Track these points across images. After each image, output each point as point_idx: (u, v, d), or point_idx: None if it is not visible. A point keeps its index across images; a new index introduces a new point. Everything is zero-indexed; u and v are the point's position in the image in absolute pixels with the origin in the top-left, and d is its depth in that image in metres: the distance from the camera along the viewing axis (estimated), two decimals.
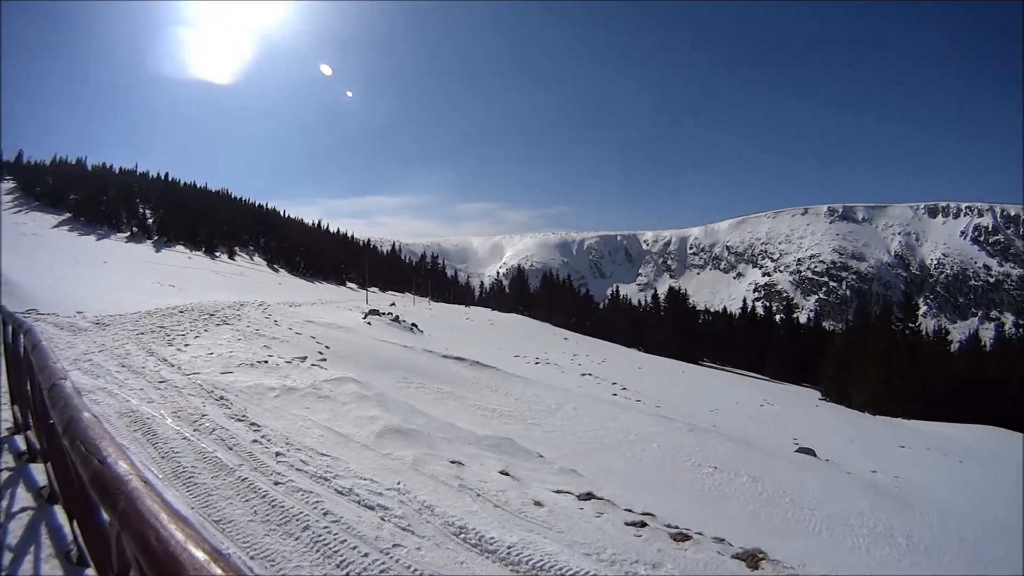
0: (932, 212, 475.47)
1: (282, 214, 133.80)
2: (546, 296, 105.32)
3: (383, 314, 38.16)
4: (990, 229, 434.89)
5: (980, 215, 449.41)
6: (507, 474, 8.68)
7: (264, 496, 6.38)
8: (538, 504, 7.34)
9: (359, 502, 6.50)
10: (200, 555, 1.81)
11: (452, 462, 8.55)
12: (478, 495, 7.25)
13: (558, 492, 8.36)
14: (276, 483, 6.77)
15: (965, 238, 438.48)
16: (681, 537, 7.24)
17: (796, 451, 21.14)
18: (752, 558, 7.03)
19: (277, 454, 7.72)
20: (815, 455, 20.43)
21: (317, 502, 6.35)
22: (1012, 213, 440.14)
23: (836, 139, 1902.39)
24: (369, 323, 33.03)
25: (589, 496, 8.39)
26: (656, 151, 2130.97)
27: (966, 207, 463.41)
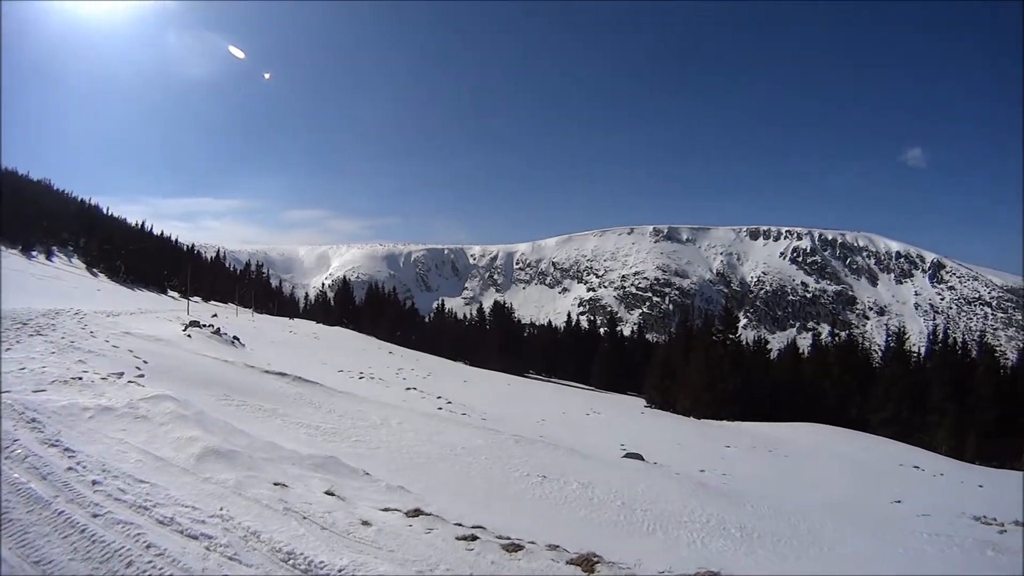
0: (753, 235, 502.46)
1: (105, 211, 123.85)
2: (371, 309, 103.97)
3: (204, 326, 37.16)
4: (808, 251, 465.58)
5: (799, 238, 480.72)
6: (333, 494, 8.51)
7: (83, 531, 6.08)
8: (366, 523, 7.25)
9: (182, 532, 6.26)
10: None
11: (276, 484, 8.33)
12: (304, 518, 7.10)
13: (386, 510, 8.28)
14: (95, 515, 6.45)
15: (784, 258, 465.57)
16: (514, 547, 7.26)
17: (624, 456, 21.54)
18: (587, 562, 7.12)
19: (94, 482, 7.32)
20: (643, 459, 20.86)
21: (139, 534, 6.08)
22: (829, 237, 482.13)
23: (663, 164, 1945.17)
24: (189, 336, 32.08)
25: (417, 512, 8.34)
26: (485, 168, 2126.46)
27: (786, 231, 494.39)
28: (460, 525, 8.20)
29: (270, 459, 9.86)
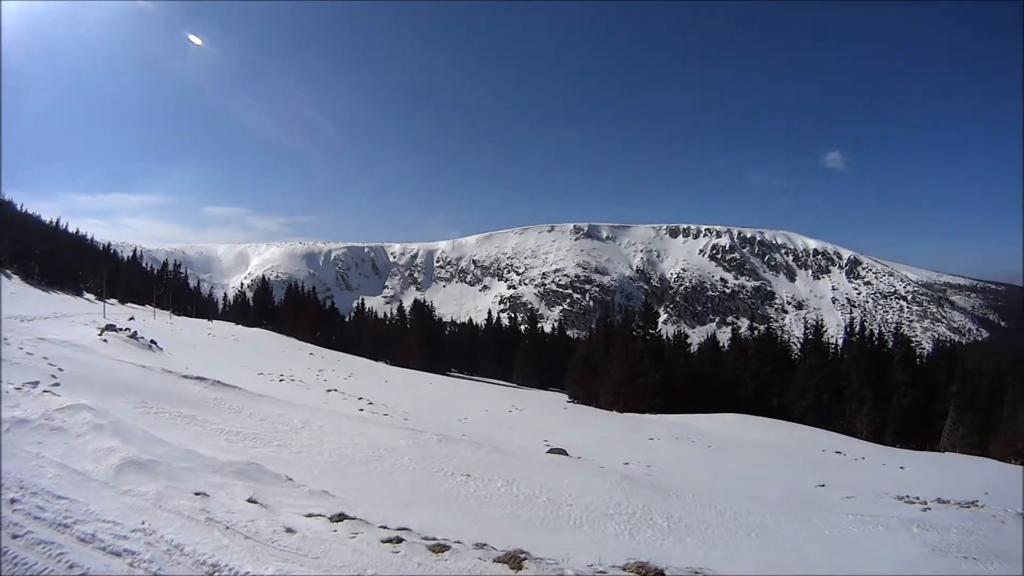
0: (673, 233, 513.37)
1: (19, 208, 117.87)
2: (291, 309, 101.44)
3: (121, 330, 36.37)
4: (727, 248, 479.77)
5: (718, 236, 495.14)
6: (255, 501, 8.38)
7: (5, 553, 5.90)
8: (290, 531, 7.19)
9: (104, 549, 6.12)
10: None
11: (197, 494, 8.14)
12: (227, 527, 6.99)
13: (310, 516, 8.22)
14: (15, 536, 6.25)
15: (704, 255, 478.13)
16: (440, 548, 7.28)
17: (548, 452, 21.77)
18: (514, 559, 7.15)
19: (12, 500, 7.06)
20: (567, 454, 21.07)
21: (60, 554, 5.92)
22: (748, 235, 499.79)
23: (585, 163, 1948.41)
24: (105, 340, 31.38)
25: (342, 517, 8.29)
26: (405, 165, 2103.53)
27: (705, 229, 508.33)
28: (385, 528, 8.20)
29: (190, 468, 9.64)
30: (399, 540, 7.43)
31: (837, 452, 34.69)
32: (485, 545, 7.91)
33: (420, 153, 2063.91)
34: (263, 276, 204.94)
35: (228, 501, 8.17)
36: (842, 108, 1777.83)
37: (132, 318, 54.30)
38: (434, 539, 7.78)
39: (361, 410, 27.40)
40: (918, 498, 19.53)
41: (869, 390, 52.32)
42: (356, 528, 7.78)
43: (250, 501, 8.38)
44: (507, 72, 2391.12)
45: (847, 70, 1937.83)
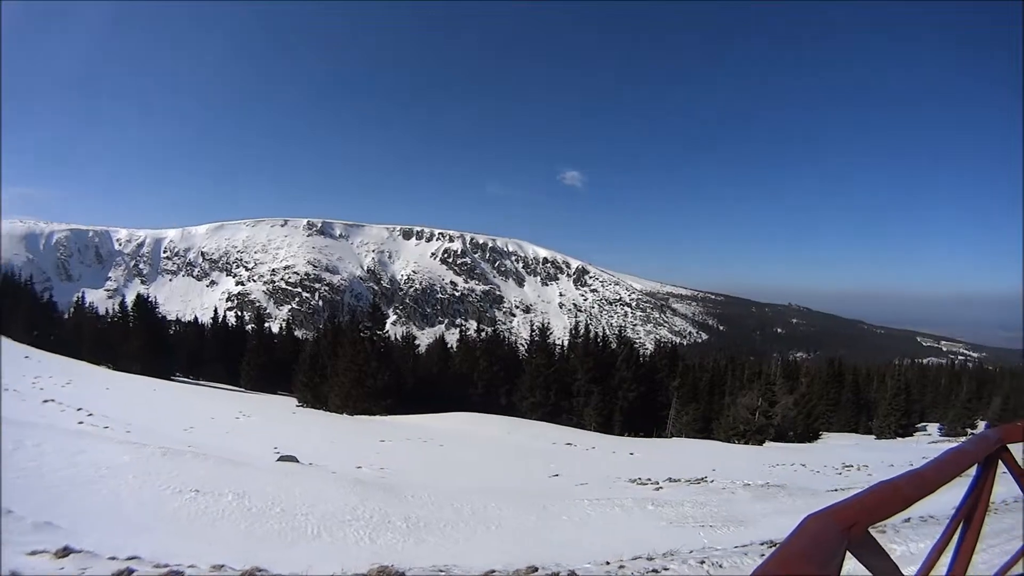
0: (406, 234, 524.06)
1: None
2: (4, 303, 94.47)
3: None
4: (459, 252, 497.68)
5: (451, 240, 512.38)
6: None
7: None
8: (14, 574, 6.85)
9: None
10: None
11: None
12: None
13: (33, 553, 7.79)
14: None
15: (435, 259, 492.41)
16: (174, 575, 7.13)
17: (279, 460, 21.60)
18: None
19: None
20: (298, 461, 21.02)
21: None
22: (480, 241, 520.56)
23: (320, 158, 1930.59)
24: None
25: (67, 551, 7.92)
26: (136, 138, 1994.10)
27: (439, 233, 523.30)
28: (114, 559, 7.95)
29: None
30: (130, 572, 7.22)
31: (568, 444, 36.25)
32: (222, 567, 7.85)
33: (150, 125, 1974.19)
34: None
35: None
36: (582, 130, 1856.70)
37: None
38: (167, 566, 7.63)
39: (80, 423, 26.03)
40: (650, 479, 20.84)
41: (595, 386, 56.06)
42: (84, 562, 7.52)
43: None
44: (243, 65, 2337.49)
45: (586, 96, 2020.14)
